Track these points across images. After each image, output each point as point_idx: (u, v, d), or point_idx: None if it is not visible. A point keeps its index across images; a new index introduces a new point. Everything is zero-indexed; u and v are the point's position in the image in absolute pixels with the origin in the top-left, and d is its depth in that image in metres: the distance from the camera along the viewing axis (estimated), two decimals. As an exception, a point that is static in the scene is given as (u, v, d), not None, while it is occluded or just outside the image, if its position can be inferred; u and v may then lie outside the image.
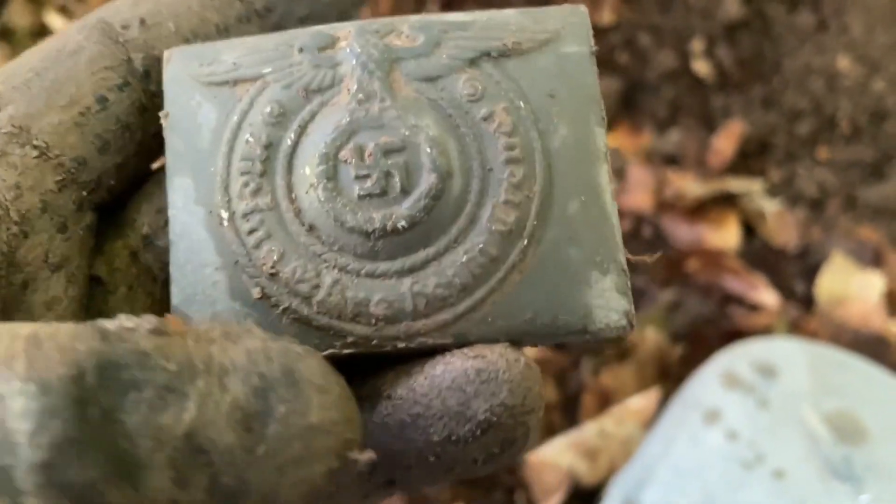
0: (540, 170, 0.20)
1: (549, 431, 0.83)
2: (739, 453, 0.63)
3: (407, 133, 0.19)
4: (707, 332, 0.88)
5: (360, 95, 0.20)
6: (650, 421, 0.78)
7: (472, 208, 0.19)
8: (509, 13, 0.21)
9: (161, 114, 0.21)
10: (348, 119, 0.19)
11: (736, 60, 1.07)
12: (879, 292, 0.90)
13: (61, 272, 0.20)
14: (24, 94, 0.20)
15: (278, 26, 0.22)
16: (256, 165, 0.20)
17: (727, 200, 1.00)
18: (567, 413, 0.85)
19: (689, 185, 1.00)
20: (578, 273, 0.20)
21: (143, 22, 0.21)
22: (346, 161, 0.19)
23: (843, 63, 1.05)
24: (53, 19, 1.00)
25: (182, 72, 0.21)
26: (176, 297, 0.20)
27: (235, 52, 0.21)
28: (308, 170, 0.19)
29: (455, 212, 0.19)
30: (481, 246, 0.19)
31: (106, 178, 0.21)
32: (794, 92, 1.06)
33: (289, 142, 0.20)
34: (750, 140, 1.05)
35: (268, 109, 0.20)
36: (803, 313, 0.91)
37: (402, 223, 0.19)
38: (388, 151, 0.19)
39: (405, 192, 0.19)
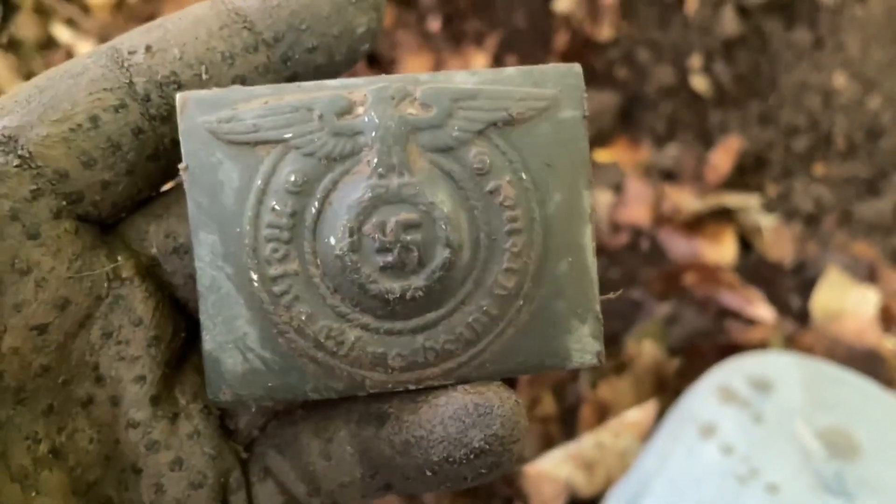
0: (537, 237, 0.22)
1: (548, 443, 0.83)
2: (734, 467, 0.63)
3: (424, 209, 0.21)
4: (704, 345, 0.89)
5: (381, 170, 0.21)
6: (647, 433, 0.78)
7: (478, 274, 0.22)
8: (512, 74, 0.22)
9: (180, 166, 0.22)
10: (370, 195, 0.21)
11: (733, 77, 1.08)
12: (874, 307, 0.90)
13: (30, 276, 0.21)
14: (22, 107, 0.21)
15: (286, 56, 0.23)
16: (284, 233, 0.22)
17: (724, 215, 1.01)
18: (565, 425, 0.85)
19: (687, 200, 1.00)
20: (562, 323, 0.23)
21: (148, 48, 0.22)
22: (369, 235, 0.21)
23: (839, 80, 1.05)
24: (60, 31, 1.01)
25: (199, 124, 0.22)
26: (208, 343, 0.22)
27: (254, 110, 0.22)
28: (333, 240, 0.21)
29: (463, 278, 0.22)
30: (484, 308, 0.22)
31: (90, 192, 0.22)
32: (791, 108, 1.06)
33: (313, 210, 0.22)
34: (747, 155, 1.05)
35: (292, 178, 0.22)
36: (799, 328, 0.92)
37: (419, 293, 0.22)
38: (407, 227, 0.21)
39: (421, 264, 0.22)
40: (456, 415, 0.21)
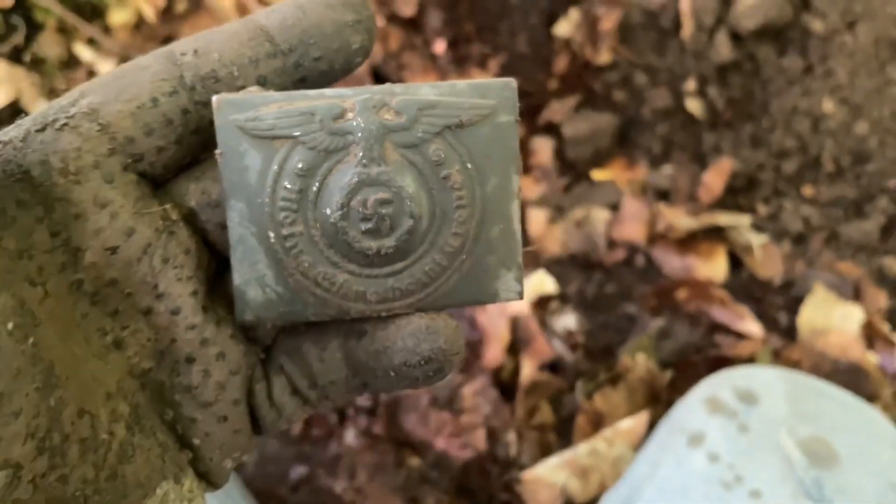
0: (477, 211, 0.29)
1: (545, 450, 0.85)
2: (720, 474, 0.65)
3: (395, 190, 0.29)
4: (694, 359, 0.90)
5: (364, 161, 0.28)
6: (639, 442, 0.81)
7: (432, 237, 0.29)
8: (463, 88, 0.29)
9: (216, 152, 0.28)
10: (356, 179, 0.28)
11: (727, 101, 1.09)
12: (858, 324, 0.93)
13: (106, 209, 0.27)
14: (102, 89, 0.28)
15: (297, 63, 0.29)
16: (293, 205, 0.29)
17: (716, 233, 1.02)
18: (562, 434, 0.88)
19: (681, 218, 1.02)
20: (493, 271, 0.30)
21: (195, 51, 0.29)
22: (355, 208, 0.28)
23: (828, 106, 1.07)
24: (82, 50, 1.03)
25: (230, 121, 0.28)
26: (237, 279, 0.29)
27: (272, 113, 0.28)
28: (329, 211, 0.28)
29: (422, 240, 0.29)
30: (437, 260, 0.30)
31: (148, 154, 0.28)
32: (782, 132, 1.08)
33: (314, 189, 0.29)
34: (739, 176, 1.07)
35: (299, 165, 0.28)
36: (786, 343, 0.93)
37: (389, 250, 0.29)
38: (382, 203, 0.28)
39: (392, 229, 0.29)
40: (412, 332, 0.29)
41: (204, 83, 0.28)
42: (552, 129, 1.11)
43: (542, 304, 0.97)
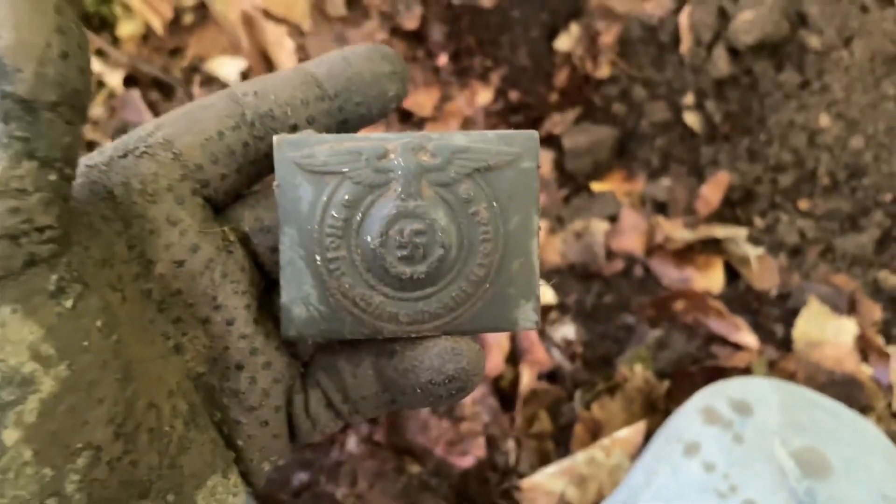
0: (501, 244, 0.32)
1: (544, 459, 0.86)
2: (715, 484, 0.66)
3: (429, 222, 0.31)
4: (691, 369, 0.91)
5: (403, 195, 0.31)
6: (636, 451, 0.81)
7: (460, 266, 0.32)
8: (492, 136, 0.32)
9: (274, 184, 0.32)
10: (395, 211, 0.31)
11: (724, 114, 1.10)
12: (853, 337, 0.93)
13: (176, 227, 0.31)
14: (175, 123, 0.32)
15: (340, 106, 0.33)
16: (338, 232, 0.32)
17: (713, 245, 1.03)
18: (560, 442, 0.89)
19: (678, 230, 1.03)
20: (513, 301, 0.33)
21: (255, 93, 0.32)
22: (392, 237, 0.31)
23: (824, 120, 1.07)
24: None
25: (287, 157, 0.32)
26: (284, 298, 0.32)
27: (324, 151, 0.32)
28: (370, 238, 0.31)
29: (450, 268, 0.32)
30: (463, 287, 0.32)
31: (213, 180, 0.32)
32: (778, 146, 1.08)
33: (358, 218, 0.32)
34: (736, 189, 1.07)
35: (346, 197, 0.31)
36: (782, 354, 0.94)
37: (421, 275, 0.31)
38: (417, 233, 0.31)
39: (424, 257, 0.31)
40: (439, 353, 0.31)
41: (262, 120, 0.32)
42: (552, 141, 1.12)
43: (541, 313, 0.98)
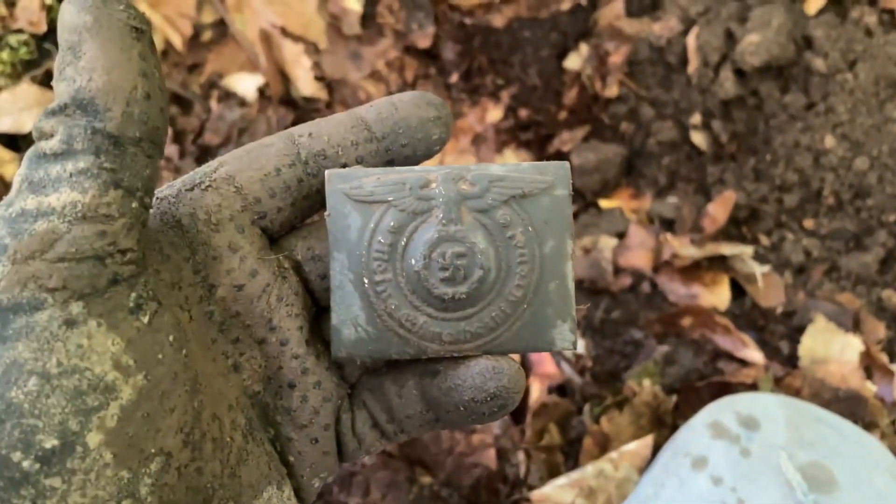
0: (537, 267, 0.34)
1: (553, 471, 0.87)
2: (722, 497, 0.67)
3: (469, 246, 0.33)
4: (698, 384, 0.92)
5: (444, 221, 0.33)
6: (644, 465, 0.82)
7: (499, 287, 0.34)
8: (526, 166, 0.34)
9: (325, 213, 0.34)
10: (437, 236, 0.33)
11: (731, 135, 1.11)
12: (858, 354, 0.94)
13: (237, 254, 0.33)
14: (237, 160, 0.34)
15: (387, 147, 0.35)
16: (385, 256, 0.34)
17: (720, 263, 1.04)
18: (569, 455, 0.90)
19: (685, 247, 1.04)
20: (550, 321, 0.34)
21: (310, 134, 0.35)
22: (435, 259, 0.33)
23: (829, 141, 1.08)
24: None
25: (338, 189, 0.34)
26: (335, 319, 0.34)
27: (371, 183, 0.34)
28: (414, 261, 0.33)
29: (490, 289, 0.33)
30: (502, 308, 0.34)
31: (270, 212, 0.34)
32: (784, 166, 1.09)
33: (402, 243, 0.34)
34: (742, 208, 1.08)
35: (391, 223, 0.34)
36: (788, 370, 0.95)
37: (462, 296, 0.33)
38: (458, 255, 0.33)
39: (465, 278, 0.33)
40: (481, 371, 0.33)
41: (315, 159, 0.35)
42: (561, 159, 1.13)
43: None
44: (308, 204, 0.35)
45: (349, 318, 0.34)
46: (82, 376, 0.26)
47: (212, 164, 0.34)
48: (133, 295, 0.28)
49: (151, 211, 0.33)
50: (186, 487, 0.28)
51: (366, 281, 0.33)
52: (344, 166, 0.35)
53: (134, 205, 0.28)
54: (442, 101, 0.36)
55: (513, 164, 0.34)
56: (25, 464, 0.25)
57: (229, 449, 0.31)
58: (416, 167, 0.34)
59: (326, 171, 0.34)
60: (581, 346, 0.98)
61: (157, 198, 0.33)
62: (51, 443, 0.25)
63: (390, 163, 0.35)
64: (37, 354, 0.25)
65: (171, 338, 0.29)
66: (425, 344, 0.33)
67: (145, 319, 0.28)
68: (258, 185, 0.34)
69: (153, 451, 0.27)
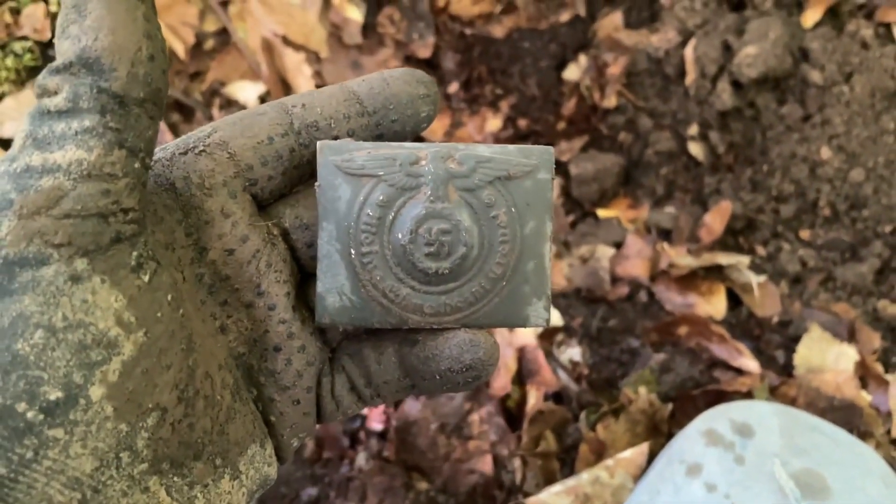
0: (517, 246, 0.35)
1: (549, 478, 0.88)
2: (717, 503, 0.68)
3: (454, 223, 0.34)
4: (694, 392, 0.92)
5: (432, 198, 0.34)
6: (639, 472, 0.83)
7: (480, 264, 0.35)
8: (512, 150, 0.35)
9: (316, 184, 0.35)
10: (424, 212, 0.34)
11: (728, 145, 1.12)
12: (853, 364, 0.95)
13: (229, 219, 0.33)
14: (231, 126, 0.34)
15: (377, 122, 0.36)
16: (372, 229, 0.34)
17: (716, 272, 1.05)
18: (565, 462, 0.90)
19: (682, 257, 1.05)
20: (526, 299, 0.35)
21: (303, 105, 0.35)
22: (421, 234, 0.34)
23: (826, 153, 1.09)
24: None
25: (329, 160, 0.34)
26: (320, 287, 0.34)
27: (362, 156, 0.34)
28: (401, 235, 0.34)
29: (472, 265, 0.34)
30: (482, 284, 0.35)
31: (261, 180, 0.34)
32: (780, 177, 1.10)
33: (390, 217, 0.34)
34: (738, 218, 1.09)
35: (381, 197, 0.34)
36: (783, 379, 0.96)
37: (445, 270, 0.34)
38: (443, 232, 0.34)
39: (449, 254, 0.34)
40: (458, 343, 0.34)
41: (308, 130, 0.35)
42: (560, 168, 1.15)
43: (548, 336, 1.00)
44: (298, 174, 0.36)
45: (334, 287, 0.35)
46: (87, 331, 0.26)
47: (205, 128, 0.35)
48: (135, 253, 0.28)
49: None
50: (179, 442, 0.29)
51: (353, 252, 0.34)
52: (335, 139, 0.35)
53: (136, 165, 0.28)
54: (431, 79, 0.37)
55: (499, 146, 0.35)
56: (30, 414, 0.25)
57: (219, 407, 0.32)
58: (405, 143, 0.35)
59: (318, 143, 0.35)
60: (578, 354, 0.99)
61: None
62: (55, 395, 0.25)
63: (380, 137, 0.36)
64: (43, 308, 0.26)
65: (169, 297, 0.29)
66: (407, 315, 0.35)
67: (146, 278, 0.28)
68: (251, 152, 0.34)
69: (150, 405, 0.28)
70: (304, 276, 0.37)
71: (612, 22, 1.19)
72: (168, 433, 0.29)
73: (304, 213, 0.36)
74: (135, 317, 0.27)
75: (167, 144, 0.34)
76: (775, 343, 1.01)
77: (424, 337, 0.35)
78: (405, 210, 0.34)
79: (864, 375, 0.95)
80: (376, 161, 0.34)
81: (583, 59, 1.20)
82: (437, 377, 0.34)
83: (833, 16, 1.14)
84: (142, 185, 0.29)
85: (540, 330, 0.98)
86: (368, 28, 1.18)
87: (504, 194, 0.35)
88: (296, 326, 0.35)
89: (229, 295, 0.34)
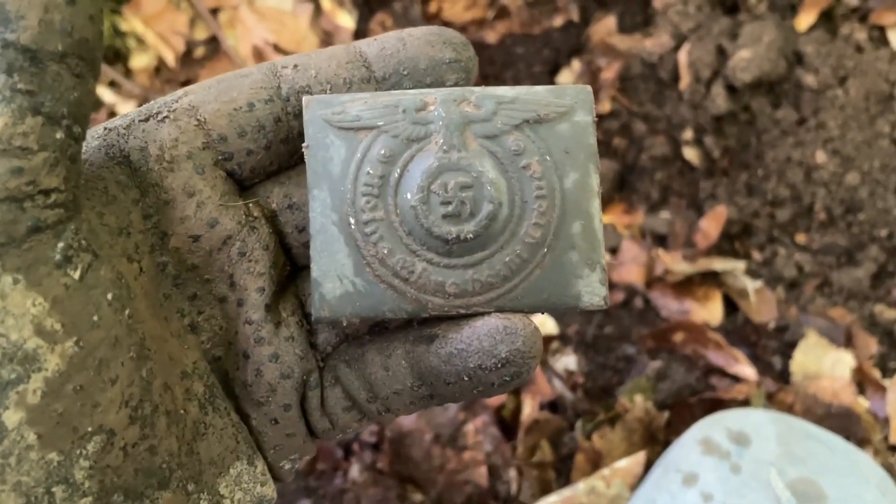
0: (558, 203, 0.28)
1: (545, 488, 0.87)
2: None
3: (475, 175, 0.28)
4: (690, 400, 0.92)
5: (445, 147, 0.28)
6: (636, 481, 0.82)
7: (513, 226, 0.28)
8: (539, 90, 0.29)
9: (303, 145, 0.29)
10: (437, 164, 0.28)
11: (723, 150, 1.11)
12: (850, 370, 0.94)
13: (194, 198, 0.28)
14: (204, 91, 0.29)
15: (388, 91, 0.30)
16: (374, 190, 0.28)
17: (712, 278, 1.04)
18: (561, 472, 0.89)
19: (678, 263, 1.04)
20: (576, 270, 0.28)
21: (295, 66, 0.30)
22: (435, 192, 0.28)
23: (821, 157, 1.09)
24: (104, 92, 1.07)
25: (318, 115, 0.29)
26: (315, 272, 0.28)
27: (357, 107, 0.29)
28: (409, 195, 0.28)
29: (502, 228, 0.28)
30: (518, 251, 0.28)
31: (238, 155, 0.29)
32: (776, 181, 1.10)
33: (396, 175, 0.28)
34: (734, 223, 1.08)
35: (382, 152, 0.28)
36: (780, 386, 0.95)
37: (469, 235, 0.28)
38: (463, 187, 0.28)
39: (472, 214, 0.28)
40: (489, 333, 0.27)
41: (298, 96, 0.29)
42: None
43: (543, 344, 0.99)
44: (287, 149, 0.30)
45: (333, 269, 0.28)
46: None
47: (175, 92, 0.30)
48: (60, 245, 0.23)
49: (95, 143, 0.28)
50: (136, 469, 0.24)
51: (352, 222, 0.28)
52: None
53: (59, 135, 0.22)
54: (464, 40, 0.30)
55: (524, 87, 0.29)
56: None
57: (184, 423, 0.27)
58: (408, 91, 0.29)
59: (305, 98, 0.29)
60: (573, 362, 0.98)
61: (105, 128, 0.29)
62: None
63: None
64: None
65: (109, 296, 0.24)
66: (426, 297, 0.28)
67: (76, 274, 0.23)
68: (225, 119, 0.29)
69: (90, 429, 0.23)
70: (296, 269, 0.31)
71: (605, 27, 1.19)
72: (118, 460, 0.24)
73: (295, 191, 0.30)
74: (61, 323, 0.22)
75: (129, 112, 0.29)
76: (772, 349, 1.00)
77: (445, 329, 0.28)
78: (413, 164, 0.28)
79: (861, 381, 0.95)
80: (375, 110, 0.28)
81: (576, 64, 1.19)
82: (466, 378, 0.27)
83: (827, 19, 1.13)
84: (69, 159, 0.23)
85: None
86: (360, 35, 1.18)
87: (535, 140, 0.28)
88: (266, 330, 0.29)
89: (199, 287, 0.29)
